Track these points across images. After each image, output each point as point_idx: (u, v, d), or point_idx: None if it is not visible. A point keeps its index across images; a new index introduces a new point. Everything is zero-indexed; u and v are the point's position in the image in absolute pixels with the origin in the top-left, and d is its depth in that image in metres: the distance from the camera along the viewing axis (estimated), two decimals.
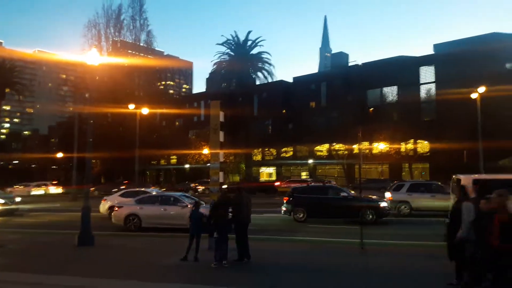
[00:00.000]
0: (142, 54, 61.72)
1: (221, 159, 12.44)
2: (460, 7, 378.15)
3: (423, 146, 48.14)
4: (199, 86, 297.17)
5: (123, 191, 21.27)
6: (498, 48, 42.15)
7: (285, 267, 9.12)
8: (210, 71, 44.69)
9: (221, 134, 12.33)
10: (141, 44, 55.87)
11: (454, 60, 43.67)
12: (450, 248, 7.35)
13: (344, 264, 9.30)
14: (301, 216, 17.53)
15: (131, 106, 37.05)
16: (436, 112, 46.73)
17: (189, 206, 14.10)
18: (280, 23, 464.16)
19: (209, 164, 13.27)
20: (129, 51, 59.83)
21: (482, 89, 32.05)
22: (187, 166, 54.12)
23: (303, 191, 18.97)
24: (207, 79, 46.04)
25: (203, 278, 8.32)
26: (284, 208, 18.16)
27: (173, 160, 64.59)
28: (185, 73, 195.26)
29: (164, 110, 56.40)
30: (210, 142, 12.60)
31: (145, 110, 38.22)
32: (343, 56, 73.44)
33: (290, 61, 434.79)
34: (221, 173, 12.33)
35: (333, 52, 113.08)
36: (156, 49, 67.71)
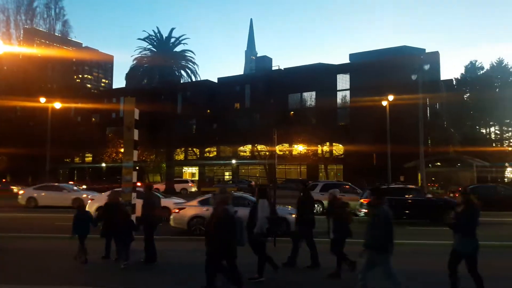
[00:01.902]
0: (57, 45, 57.78)
1: (135, 158, 12.03)
2: (375, 20, 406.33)
3: (338, 148, 50.94)
4: (120, 81, 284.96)
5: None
6: (406, 60, 45.93)
7: None
8: (130, 66, 43.05)
9: (136, 132, 11.94)
10: (57, 34, 52.36)
11: (367, 69, 46.76)
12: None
13: None
14: None
15: (43, 100, 34.54)
16: (350, 117, 49.68)
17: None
18: (208, 24, 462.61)
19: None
20: (43, 40, 55.78)
21: (391, 97, 34.74)
22: (103, 164, 51.69)
23: (385, 193, 18.72)
24: (127, 75, 44.26)
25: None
26: (363, 210, 17.64)
27: (89, 158, 61.33)
28: (105, 67, 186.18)
29: (80, 105, 53.32)
30: (124, 140, 12.10)
31: (58, 105, 35.82)
32: (267, 60, 75.07)
33: (218, 62, 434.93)
34: (134, 173, 11.93)
35: (258, 55, 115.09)
36: (73, 40, 63.80)
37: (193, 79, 43.76)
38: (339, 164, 50.53)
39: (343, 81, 52.01)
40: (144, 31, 62.12)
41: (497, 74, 60.66)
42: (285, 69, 58.19)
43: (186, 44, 58.90)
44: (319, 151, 50.31)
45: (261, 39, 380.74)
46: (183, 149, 59.11)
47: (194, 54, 44.96)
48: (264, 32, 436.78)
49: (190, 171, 61.50)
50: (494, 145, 59.42)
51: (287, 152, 52.62)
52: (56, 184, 27.90)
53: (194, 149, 59.31)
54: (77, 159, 62.57)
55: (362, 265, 6.26)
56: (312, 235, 8.91)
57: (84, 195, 22.29)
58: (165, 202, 16.37)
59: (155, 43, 43.25)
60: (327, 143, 50.61)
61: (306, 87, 52.55)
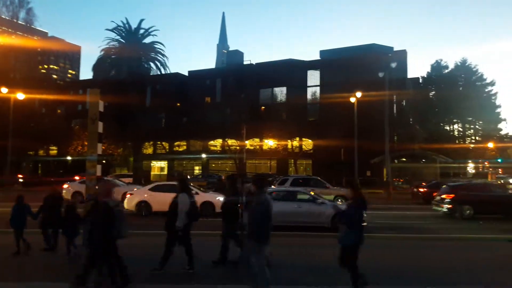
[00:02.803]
0: (20, 33, 55.56)
1: (100, 152, 11.77)
2: (346, 17, 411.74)
3: (307, 144, 51.48)
4: (87, 72, 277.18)
5: (154, 185, 19.42)
6: (375, 58, 46.82)
7: None
8: (97, 57, 41.81)
9: (100, 124, 11.67)
10: (20, 22, 50.34)
11: (337, 66, 47.39)
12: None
13: None
14: (467, 213, 17.52)
15: (4, 90, 33.23)
16: (320, 113, 50.26)
17: (326, 203, 13.70)
18: (179, 17, 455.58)
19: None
20: (5, 28, 53.57)
21: (359, 94, 35.41)
22: (69, 158, 50.31)
23: (468, 189, 19.03)
24: (94, 66, 42.83)
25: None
26: (445, 206, 17.93)
27: (53, 151, 59.54)
28: (72, 57, 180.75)
29: (45, 96, 51.51)
30: (88, 133, 11.82)
31: (21, 95, 34.59)
32: (238, 54, 74.61)
33: (189, 55, 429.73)
34: (99, 166, 11.67)
35: (229, 49, 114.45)
36: (38, 29, 61.52)
37: (163, 72, 43.08)
38: (308, 159, 51.11)
39: (313, 77, 52.52)
40: (112, 21, 60.50)
41: (461, 73, 62.82)
42: (256, 64, 58.11)
43: (155, 35, 57.56)
44: (289, 146, 50.72)
45: (233, 33, 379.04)
46: (151, 143, 58.24)
47: (164, 46, 44.10)
48: (236, 26, 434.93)
49: (159, 166, 60.70)
50: (457, 142, 61.64)
51: (257, 147, 52.78)
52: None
53: (163, 143, 58.53)
54: (41, 152, 60.61)
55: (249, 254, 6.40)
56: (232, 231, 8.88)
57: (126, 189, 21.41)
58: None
59: (123, 34, 42.28)
60: (297, 138, 51.05)
61: (277, 82, 52.74)
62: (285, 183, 22.40)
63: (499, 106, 64.33)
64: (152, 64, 42.37)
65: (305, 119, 49.91)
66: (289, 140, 49.82)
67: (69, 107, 60.90)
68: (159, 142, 58.31)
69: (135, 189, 19.72)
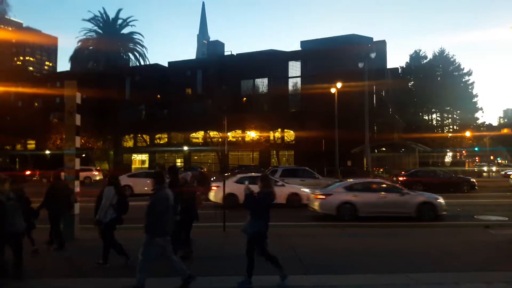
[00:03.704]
0: None
1: (78, 145, 11.60)
2: (326, 7, 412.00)
3: (289, 135, 51.66)
4: (64, 64, 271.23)
5: (238, 177, 19.32)
6: (355, 48, 47.09)
7: None
8: (74, 49, 40.90)
9: (78, 117, 11.48)
10: None
11: (318, 57, 47.53)
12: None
13: None
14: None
15: None
16: (301, 104, 50.44)
17: (411, 193, 14.19)
18: (158, 7, 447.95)
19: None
20: None
21: (339, 85, 35.67)
22: (47, 152, 49.34)
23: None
24: (71, 57, 41.98)
25: None
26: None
27: (31, 145, 58.28)
28: (48, 49, 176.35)
29: (21, 89, 50.27)
30: (65, 126, 11.61)
31: None
32: (219, 45, 74.53)
33: (169, 46, 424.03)
34: (77, 160, 11.50)
35: (210, 40, 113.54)
36: (13, 19, 59.73)
37: (142, 63, 42.69)
38: (290, 150, 51.36)
39: (294, 68, 52.57)
40: (89, 11, 59.21)
41: (439, 64, 63.83)
42: (237, 54, 57.76)
43: (134, 26, 57.04)
44: (271, 138, 50.84)
45: (214, 23, 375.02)
46: (132, 135, 57.53)
47: (143, 37, 43.71)
48: (217, 17, 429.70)
49: (140, 159, 60.07)
50: (435, 131, 62.81)
51: (239, 138, 52.70)
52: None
53: (144, 136, 57.88)
54: (18, 146, 59.29)
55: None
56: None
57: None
58: None
59: (101, 24, 41.63)
60: (279, 130, 51.19)
61: (258, 73, 52.59)
62: (275, 174, 22.51)
63: (476, 96, 65.88)
64: (131, 55, 41.97)
65: (286, 110, 50.03)
66: (271, 131, 49.91)
67: (47, 100, 59.51)
68: (139, 135, 57.64)
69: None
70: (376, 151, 41.95)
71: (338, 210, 13.72)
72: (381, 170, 42.58)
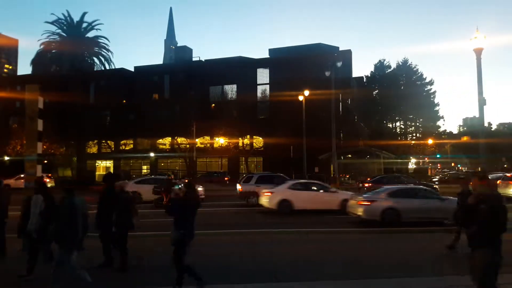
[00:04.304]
0: None
1: (40, 151, 11.17)
2: (294, 16, 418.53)
3: (258, 141, 51.81)
4: (25, 67, 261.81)
5: (293, 182, 19.66)
6: (321, 57, 47.95)
7: None
8: (36, 52, 39.49)
9: (40, 122, 11.07)
10: None
11: (286, 64, 48.03)
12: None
13: None
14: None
15: None
16: (270, 111, 50.71)
17: (448, 198, 14.43)
18: (125, 11, 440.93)
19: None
20: None
21: (306, 93, 36.15)
22: (6, 158, 47.21)
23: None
24: (33, 61, 40.46)
25: None
26: None
27: None
28: (8, 51, 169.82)
29: None
30: (26, 132, 11.17)
31: None
32: (187, 50, 73.65)
33: (135, 50, 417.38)
34: (39, 166, 11.07)
35: (178, 45, 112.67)
36: None
37: (107, 67, 41.66)
38: (258, 156, 51.47)
39: (263, 75, 52.85)
40: (52, 14, 57.26)
41: (402, 73, 65.91)
42: (206, 60, 57.50)
43: (99, 30, 55.53)
44: (240, 144, 50.83)
45: (182, 29, 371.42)
46: (96, 141, 56.01)
47: (109, 41, 42.63)
48: (185, 22, 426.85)
49: (104, 165, 58.47)
50: (399, 138, 64.67)
51: (208, 144, 52.38)
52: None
53: (109, 142, 56.47)
54: None
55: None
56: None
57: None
58: None
59: (65, 27, 40.42)
60: (248, 136, 51.25)
61: (227, 80, 52.52)
62: (250, 181, 22.43)
63: (438, 105, 68.31)
64: (96, 59, 40.93)
65: (255, 117, 50.18)
66: (240, 138, 49.93)
67: (6, 104, 57.01)
68: (104, 141, 56.20)
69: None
70: (342, 158, 42.75)
71: (382, 215, 14.23)
72: (348, 176, 43.42)
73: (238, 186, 22.32)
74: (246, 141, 51.70)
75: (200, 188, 24.26)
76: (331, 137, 30.46)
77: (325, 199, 17.56)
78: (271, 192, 18.12)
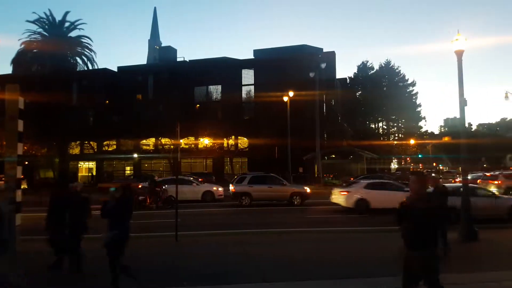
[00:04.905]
0: None
1: (20, 152, 10.96)
2: (278, 17, 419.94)
3: (243, 142, 51.83)
4: (6, 67, 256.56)
5: (368, 182, 20.40)
6: (306, 58, 48.30)
7: None
8: (17, 51, 38.74)
9: (20, 123, 10.86)
10: None
11: (270, 65, 48.17)
12: None
13: None
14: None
15: None
16: (255, 112, 50.81)
17: (502, 196, 15.49)
18: (108, 10, 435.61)
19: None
20: None
21: (291, 93, 36.38)
22: None
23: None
24: (14, 60, 39.66)
25: None
26: None
27: None
28: None
29: None
30: (6, 132, 10.93)
31: None
32: (171, 51, 73.20)
33: (119, 50, 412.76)
34: (19, 168, 10.86)
35: (162, 45, 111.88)
36: None
37: (90, 67, 41.13)
38: (243, 157, 51.48)
39: (248, 76, 52.90)
40: (34, 13, 56.17)
41: (385, 74, 66.84)
42: (190, 61, 57.30)
43: (82, 29, 54.57)
44: (225, 145, 50.75)
45: (166, 29, 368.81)
46: (78, 142, 55.20)
47: (92, 41, 42.06)
48: (169, 22, 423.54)
49: (86, 166, 57.64)
50: (382, 139, 65.54)
51: (192, 145, 52.13)
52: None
53: (91, 143, 55.70)
54: None
55: None
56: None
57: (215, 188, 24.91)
58: None
59: (46, 26, 39.79)
60: (233, 137, 51.24)
61: (212, 80, 52.41)
62: (243, 181, 22.57)
63: (420, 105, 69.49)
64: (78, 59, 40.39)
65: (240, 118, 50.21)
66: (224, 139, 49.85)
67: None
68: (86, 142, 55.42)
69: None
70: (326, 158, 43.11)
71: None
72: (331, 176, 43.77)
73: (231, 187, 22.52)
74: (231, 141, 51.68)
75: (220, 189, 25.11)
76: (315, 138, 30.73)
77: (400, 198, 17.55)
78: (348, 191, 18.78)
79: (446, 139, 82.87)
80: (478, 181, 26.01)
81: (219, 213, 19.63)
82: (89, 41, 41.23)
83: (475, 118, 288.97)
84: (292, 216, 17.88)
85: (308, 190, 22.92)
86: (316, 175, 35.66)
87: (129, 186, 7.22)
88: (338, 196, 18.96)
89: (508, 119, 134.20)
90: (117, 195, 6.81)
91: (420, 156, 77.50)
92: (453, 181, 34.69)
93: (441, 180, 25.37)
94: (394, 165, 68.09)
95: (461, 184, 18.20)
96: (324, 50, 54.07)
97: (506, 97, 44.77)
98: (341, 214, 18.10)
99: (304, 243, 11.64)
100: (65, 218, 7.93)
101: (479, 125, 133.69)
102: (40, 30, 38.67)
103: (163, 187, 22.75)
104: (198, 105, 53.00)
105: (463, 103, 12.58)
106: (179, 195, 22.90)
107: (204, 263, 9.01)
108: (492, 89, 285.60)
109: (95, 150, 55.01)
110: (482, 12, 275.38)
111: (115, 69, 58.41)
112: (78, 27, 41.13)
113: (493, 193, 16.27)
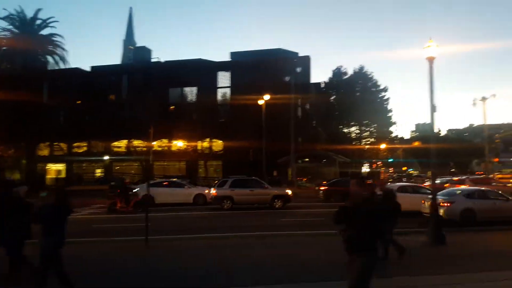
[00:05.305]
0: None
1: None
2: (254, 20, 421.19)
3: (218, 145, 51.58)
4: None
5: (399, 186, 21.00)
6: (282, 62, 48.63)
7: None
8: None
9: None
10: None
11: (247, 68, 48.15)
12: None
13: None
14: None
15: None
16: (230, 114, 50.65)
17: None
18: (82, 9, 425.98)
19: None
20: None
21: (267, 97, 36.60)
22: None
23: None
24: None
25: None
26: None
27: None
28: None
29: None
30: None
31: None
32: (146, 51, 72.22)
33: (92, 50, 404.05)
34: None
35: (137, 45, 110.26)
36: None
37: (62, 66, 40.17)
38: (218, 160, 51.23)
39: (223, 78, 52.66)
40: (4, 9, 54.36)
41: (358, 80, 67.95)
42: (165, 61, 56.63)
43: (54, 27, 53.11)
44: (199, 147, 50.40)
45: (141, 29, 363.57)
46: (48, 143, 53.68)
47: (64, 39, 41.06)
48: (144, 22, 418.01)
49: (55, 168, 55.95)
50: (354, 143, 66.61)
51: (166, 148, 51.54)
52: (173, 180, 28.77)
53: (61, 144, 54.25)
54: None
55: None
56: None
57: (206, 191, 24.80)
58: None
59: (17, 23, 38.68)
60: (207, 139, 50.96)
61: (187, 82, 51.92)
62: (224, 185, 22.63)
63: (391, 111, 70.92)
64: (49, 58, 39.36)
65: (215, 120, 49.93)
66: (199, 141, 49.50)
67: None
68: (56, 143, 53.94)
69: None
70: (300, 161, 43.53)
71: (460, 215, 15.64)
72: (305, 180, 44.21)
73: (213, 190, 22.55)
74: (206, 144, 51.38)
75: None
76: (290, 141, 30.99)
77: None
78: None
79: (416, 143, 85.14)
80: (446, 185, 26.83)
81: (199, 217, 19.60)
82: (61, 40, 40.38)
83: (445, 124, 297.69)
84: (271, 219, 17.96)
85: (290, 192, 23.09)
86: (290, 179, 35.94)
87: (63, 190, 7.01)
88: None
89: (475, 125, 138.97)
90: (50, 200, 6.61)
91: (391, 160, 79.23)
92: (421, 185, 35.61)
93: (389, 183, 26.37)
94: (366, 169, 69.30)
95: (477, 188, 19.42)
96: (300, 55, 54.56)
97: (474, 104, 46.56)
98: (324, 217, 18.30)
99: (274, 248, 11.74)
100: (6, 223, 7.65)
101: (449, 131, 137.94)
102: (10, 27, 37.62)
103: (133, 190, 22.52)
104: (172, 107, 52.46)
105: (433, 108, 12.98)
106: (171, 198, 23.56)
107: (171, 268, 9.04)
108: (461, 95, 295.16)
109: (65, 151, 53.67)
110: (452, 20, 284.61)
111: (88, 69, 57.16)
112: (50, 25, 40.22)
113: (507, 197, 17.07)
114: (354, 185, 5.11)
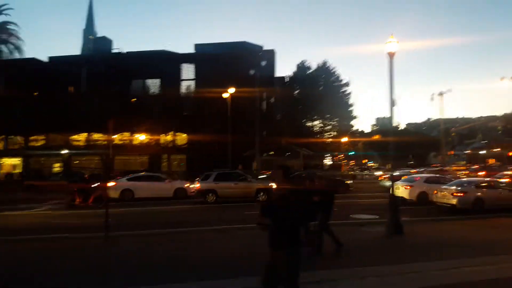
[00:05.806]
0: None
1: None
2: (219, 12, 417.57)
3: (182, 138, 50.96)
4: None
5: (426, 177, 22.62)
6: (247, 55, 48.58)
7: None
8: None
9: None
10: None
11: (211, 61, 47.75)
12: None
13: None
14: None
15: None
16: (194, 107, 50.12)
17: None
18: None
19: None
20: None
21: (232, 90, 36.50)
22: None
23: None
24: None
25: None
26: None
27: None
28: None
29: None
30: None
31: None
32: (107, 42, 70.41)
33: (51, 39, 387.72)
34: None
35: (97, 36, 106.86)
36: None
37: (18, 56, 38.36)
38: (182, 153, 50.63)
39: (188, 70, 51.99)
40: None
41: (321, 74, 69.10)
42: (127, 52, 55.16)
43: (9, 15, 50.70)
44: (162, 141, 49.63)
45: (102, 19, 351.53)
46: (3, 137, 51.26)
47: (19, 28, 39.18)
48: (105, 12, 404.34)
49: (11, 163, 53.53)
50: (317, 136, 67.84)
51: (127, 141, 50.37)
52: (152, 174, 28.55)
53: (17, 137, 51.91)
54: None
55: None
56: None
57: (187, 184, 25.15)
58: None
59: None
60: (171, 133, 50.24)
61: (150, 73, 50.88)
62: (208, 178, 22.62)
63: (352, 105, 72.60)
64: (3, 47, 37.44)
65: (179, 113, 49.21)
66: (162, 135, 48.71)
67: None
68: (11, 136, 51.57)
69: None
70: (265, 154, 43.83)
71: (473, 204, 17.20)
72: (269, 172, 44.55)
73: (197, 184, 22.51)
74: (169, 138, 50.66)
75: (192, 185, 24.68)
76: (255, 135, 31.11)
77: None
78: (410, 186, 21.13)
79: (376, 137, 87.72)
80: (403, 177, 27.87)
81: (177, 211, 19.41)
82: (16, 28, 38.53)
83: (404, 118, 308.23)
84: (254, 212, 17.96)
85: (274, 186, 23.16)
86: (254, 172, 36.09)
87: None
88: (403, 189, 21.06)
89: (432, 119, 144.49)
90: None
91: (352, 153, 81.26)
92: (381, 177, 36.86)
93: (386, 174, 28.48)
94: (328, 162, 70.74)
95: (485, 179, 21.14)
96: (264, 48, 54.66)
97: (432, 98, 48.59)
98: None
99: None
100: None
101: (408, 124, 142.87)
102: None
103: (94, 184, 22.01)
104: (134, 99, 51.26)
105: (393, 103, 13.41)
106: (151, 192, 23.39)
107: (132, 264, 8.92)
108: (420, 90, 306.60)
109: (22, 145, 51.43)
110: (412, 16, 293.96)
111: (46, 59, 54.80)
112: (4, 12, 38.27)
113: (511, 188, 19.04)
114: (275, 174, 4.94)
